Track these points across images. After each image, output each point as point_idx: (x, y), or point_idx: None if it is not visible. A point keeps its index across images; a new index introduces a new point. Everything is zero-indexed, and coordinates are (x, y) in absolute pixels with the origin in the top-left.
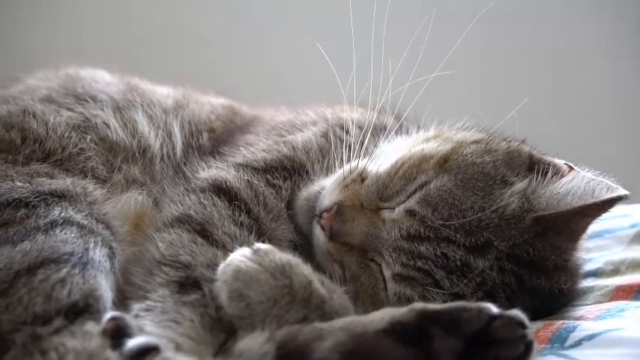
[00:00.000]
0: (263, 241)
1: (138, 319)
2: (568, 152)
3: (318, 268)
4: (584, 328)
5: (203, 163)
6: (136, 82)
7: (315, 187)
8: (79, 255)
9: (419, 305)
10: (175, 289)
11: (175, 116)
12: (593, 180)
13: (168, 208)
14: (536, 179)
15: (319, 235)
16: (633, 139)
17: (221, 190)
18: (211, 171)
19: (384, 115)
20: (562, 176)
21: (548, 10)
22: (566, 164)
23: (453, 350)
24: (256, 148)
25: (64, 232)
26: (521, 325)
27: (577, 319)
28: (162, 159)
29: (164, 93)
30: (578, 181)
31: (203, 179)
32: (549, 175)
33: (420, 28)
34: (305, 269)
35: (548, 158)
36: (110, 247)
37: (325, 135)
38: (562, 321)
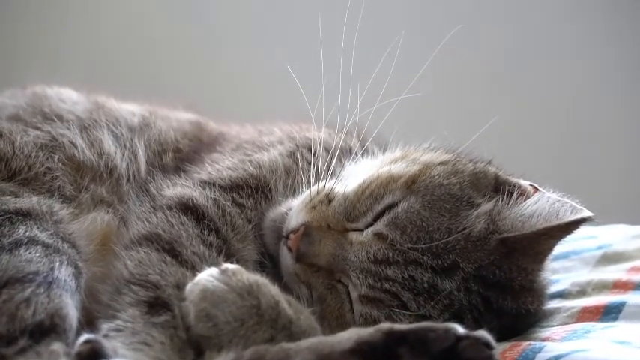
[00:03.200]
0: (231, 262)
1: (108, 339)
2: (534, 172)
3: (285, 288)
4: (551, 349)
5: (168, 181)
6: (103, 100)
7: (282, 208)
8: (44, 274)
9: (385, 325)
10: (145, 310)
11: (141, 136)
12: (557, 201)
13: (136, 225)
14: (502, 201)
15: (286, 256)
16: (600, 159)
17: (188, 208)
18: (177, 189)
19: (351, 137)
20: (527, 197)
21: (515, 33)
22: (531, 185)
23: None
24: (222, 165)
25: (28, 251)
26: (488, 345)
27: (543, 340)
28: (128, 179)
29: (130, 110)
30: (543, 203)
31: (169, 197)
32: (514, 196)
33: (389, 49)
34: (272, 289)
35: (514, 179)
36: (76, 266)
37: (292, 155)
38: (528, 342)
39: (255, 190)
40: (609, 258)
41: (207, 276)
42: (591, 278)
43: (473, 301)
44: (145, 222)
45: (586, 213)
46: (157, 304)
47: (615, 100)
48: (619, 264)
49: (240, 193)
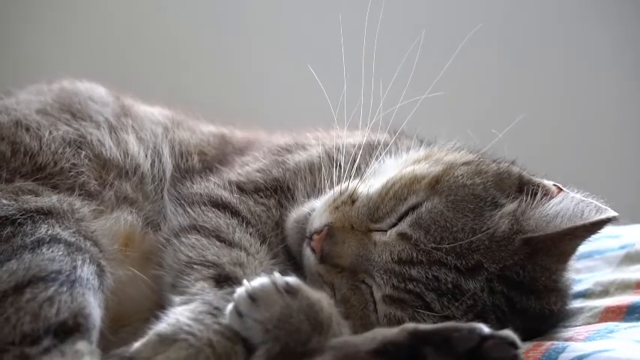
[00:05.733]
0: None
1: (180, 307)
2: (555, 171)
3: None
4: (574, 349)
5: (198, 178)
6: (130, 103)
7: (304, 208)
8: (67, 273)
9: (410, 325)
10: (213, 284)
11: (165, 137)
12: (582, 201)
13: (175, 218)
14: (526, 201)
15: (310, 257)
16: (623, 158)
17: (219, 204)
18: (209, 185)
19: (375, 137)
20: (551, 197)
21: (538, 31)
22: (555, 185)
23: None
24: (252, 167)
25: (51, 250)
26: (513, 345)
27: (566, 340)
28: (153, 179)
29: (155, 118)
30: (567, 203)
31: (200, 194)
32: (538, 196)
33: (411, 49)
34: (330, 309)
35: (538, 179)
36: (98, 265)
37: (319, 157)
38: (551, 342)
39: (274, 190)
40: (632, 258)
41: (276, 295)
42: (614, 278)
43: (496, 302)
44: (185, 216)
45: (611, 213)
46: (221, 280)
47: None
48: None
49: (260, 194)
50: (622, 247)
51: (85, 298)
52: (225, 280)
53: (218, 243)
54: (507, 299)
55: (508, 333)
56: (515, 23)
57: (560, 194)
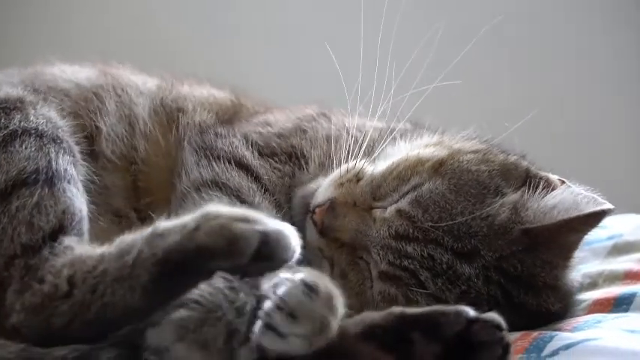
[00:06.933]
0: None
1: None
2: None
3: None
4: (562, 338)
5: (223, 130)
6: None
7: (312, 185)
8: (45, 170)
9: (397, 309)
10: None
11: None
12: (580, 194)
13: (197, 170)
14: (527, 192)
15: (312, 231)
16: (611, 147)
17: (242, 165)
18: (234, 144)
19: (396, 124)
20: (552, 190)
21: (557, 23)
22: (559, 179)
23: (433, 354)
24: (273, 130)
25: (24, 146)
26: (499, 327)
27: (554, 330)
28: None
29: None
30: (567, 195)
31: (225, 151)
32: (540, 188)
33: (428, 37)
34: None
35: (544, 173)
36: (74, 156)
37: (338, 130)
38: (539, 332)
39: (289, 157)
40: (620, 249)
41: (309, 301)
42: (603, 269)
43: (492, 292)
44: (207, 169)
45: (606, 206)
46: None
47: (628, 88)
48: (630, 254)
49: (275, 159)
50: (610, 238)
51: (67, 195)
52: None
53: (239, 203)
54: (504, 291)
55: (493, 315)
56: (534, 15)
57: (561, 187)
